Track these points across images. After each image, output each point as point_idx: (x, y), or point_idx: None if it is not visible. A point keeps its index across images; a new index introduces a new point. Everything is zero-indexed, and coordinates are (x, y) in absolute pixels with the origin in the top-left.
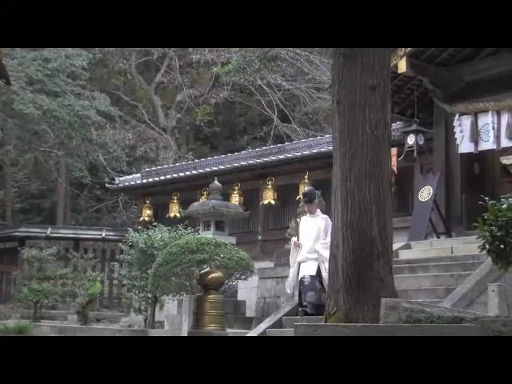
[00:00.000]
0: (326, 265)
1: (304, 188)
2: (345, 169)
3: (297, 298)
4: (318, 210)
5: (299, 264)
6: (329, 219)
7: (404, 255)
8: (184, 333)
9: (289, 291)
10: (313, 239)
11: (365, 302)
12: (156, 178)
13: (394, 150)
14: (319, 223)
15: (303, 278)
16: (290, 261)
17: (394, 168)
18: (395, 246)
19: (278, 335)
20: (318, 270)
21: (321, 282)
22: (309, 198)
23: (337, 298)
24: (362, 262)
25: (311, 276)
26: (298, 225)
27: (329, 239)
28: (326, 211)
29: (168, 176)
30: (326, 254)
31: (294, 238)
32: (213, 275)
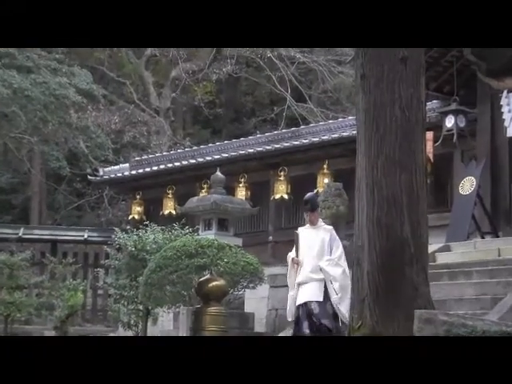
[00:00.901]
0: (336, 285)
1: (324, 181)
2: (371, 156)
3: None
4: (321, 220)
5: (299, 286)
6: (333, 231)
7: (442, 259)
8: None
9: (290, 319)
10: (316, 255)
11: (395, 314)
12: (147, 169)
13: (429, 134)
14: (322, 235)
15: (309, 305)
16: (288, 282)
17: (430, 155)
18: (431, 248)
19: None
20: (326, 293)
21: (332, 307)
22: (312, 206)
23: (362, 309)
24: (392, 267)
25: (318, 302)
26: (297, 237)
27: (336, 255)
28: (350, 206)
29: (162, 166)
30: (335, 272)
31: (291, 254)
32: (214, 283)
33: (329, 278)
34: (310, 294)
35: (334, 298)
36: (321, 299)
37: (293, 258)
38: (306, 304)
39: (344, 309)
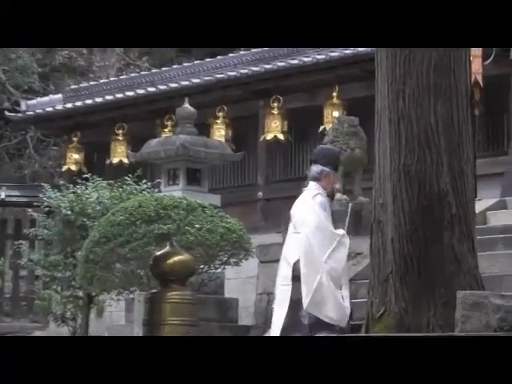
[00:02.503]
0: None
1: (332, 115)
2: (395, 79)
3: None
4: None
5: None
6: None
7: (496, 220)
8: None
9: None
10: None
11: (430, 297)
12: (88, 101)
13: (477, 49)
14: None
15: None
16: (346, 277)
17: (478, 77)
18: (481, 206)
19: None
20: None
21: None
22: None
23: (384, 291)
24: (426, 233)
25: None
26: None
27: None
28: (369, 149)
29: (108, 97)
30: None
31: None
32: (175, 259)
33: None
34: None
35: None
36: None
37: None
38: None
39: None
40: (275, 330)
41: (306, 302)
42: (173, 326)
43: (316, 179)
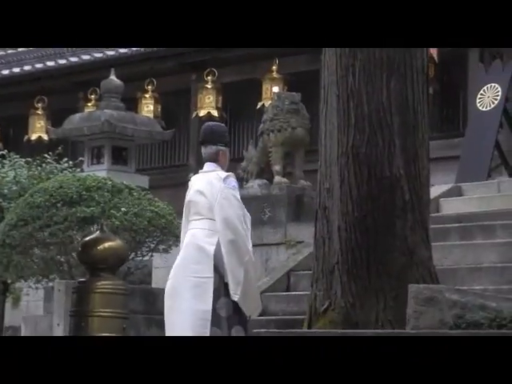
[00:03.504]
0: None
1: (272, 90)
2: (344, 53)
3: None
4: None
5: None
6: None
7: (450, 207)
8: None
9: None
10: None
11: (380, 291)
12: (5, 72)
13: None
14: None
15: None
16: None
17: (433, 52)
18: (435, 192)
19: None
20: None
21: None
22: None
23: (329, 284)
24: (376, 221)
25: None
26: None
27: None
28: (312, 129)
29: (27, 67)
30: None
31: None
32: (106, 245)
33: None
34: None
35: None
36: None
37: None
38: None
39: None
40: (203, 327)
41: (237, 294)
42: (102, 318)
43: (214, 160)
